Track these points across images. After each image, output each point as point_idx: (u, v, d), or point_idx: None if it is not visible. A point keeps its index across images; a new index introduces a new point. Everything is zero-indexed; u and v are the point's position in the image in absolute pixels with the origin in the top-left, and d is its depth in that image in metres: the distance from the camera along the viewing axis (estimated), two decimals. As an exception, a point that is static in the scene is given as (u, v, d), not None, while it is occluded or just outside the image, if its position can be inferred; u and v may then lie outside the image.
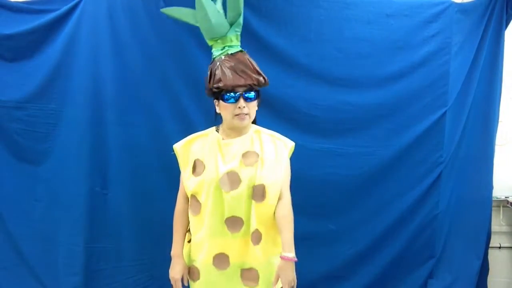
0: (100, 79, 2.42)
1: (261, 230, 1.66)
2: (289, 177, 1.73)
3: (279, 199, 1.67)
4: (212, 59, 1.71)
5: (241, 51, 1.70)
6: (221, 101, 1.64)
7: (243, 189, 1.62)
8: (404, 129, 2.48)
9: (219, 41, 1.68)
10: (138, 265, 2.50)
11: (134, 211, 2.47)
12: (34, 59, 2.45)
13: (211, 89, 1.65)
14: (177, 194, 2.40)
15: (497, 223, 2.78)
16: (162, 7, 2.34)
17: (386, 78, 2.46)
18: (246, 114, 1.62)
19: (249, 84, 1.60)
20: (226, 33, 1.69)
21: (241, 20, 1.73)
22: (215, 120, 1.76)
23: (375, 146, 2.48)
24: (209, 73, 1.67)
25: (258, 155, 1.65)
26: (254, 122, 1.78)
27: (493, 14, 2.47)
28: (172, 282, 1.77)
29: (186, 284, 1.79)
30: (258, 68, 1.66)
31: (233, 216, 1.63)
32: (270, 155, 1.66)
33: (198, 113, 2.40)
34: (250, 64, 1.64)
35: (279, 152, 1.68)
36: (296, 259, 1.63)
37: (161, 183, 2.44)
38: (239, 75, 1.59)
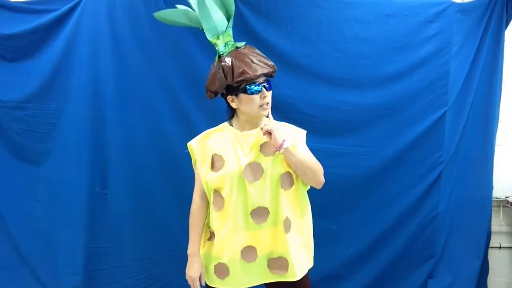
0: (100, 79, 2.42)
1: (291, 217, 1.67)
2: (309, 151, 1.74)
3: None
4: (217, 57, 1.69)
5: (245, 44, 1.71)
6: (242, 94, 1.61)
7: (267, 179, 1.62)
8: (404, 129, 2.48)
9: (220, 37, 1.68)
10: (138, 265, 2.50)
11: (134, 211, 2.47)
12: (34, 59, 2.45)
13: (228, 85, 1.61)
14: (177, 193, 2.42)
15: (497, 223, 2.78)
16: (162, 7, 2.36)
17: (386, 78, 2.46)
18: (268, 103, 1.63)
19: (270, 72, 1.63)
20: (226, 29, 1.70)
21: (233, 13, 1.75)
22: (228, 117, 1.75)
23: (375, 146, 2.48)
24: (221, 70, 1.62)
25: None
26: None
27: (493, 14, 2.47)
28: (190, 281, 1.72)
29: (203, 284, 1.76)
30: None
31: (258, 207, 1.62)
32: (288, 141, 1.64)
33: (198, 113, 2.41)
34: (261, 53, 1.66)
35: (295, 139, 1.69)
36: (282, 148, 1.58)
37: (161, 183, 2.45)
38: (260, 65, 1.60)
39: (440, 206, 2.53)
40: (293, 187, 1.68)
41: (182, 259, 1.80)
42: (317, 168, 1.68)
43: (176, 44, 2.40)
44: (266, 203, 1.63)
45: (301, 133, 1.76)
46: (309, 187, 1.76)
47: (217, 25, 1.69)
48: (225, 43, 1.68)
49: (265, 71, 1.60)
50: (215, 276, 1.70)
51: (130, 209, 2.47)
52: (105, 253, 2.49)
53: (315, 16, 2.42)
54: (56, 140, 2.47)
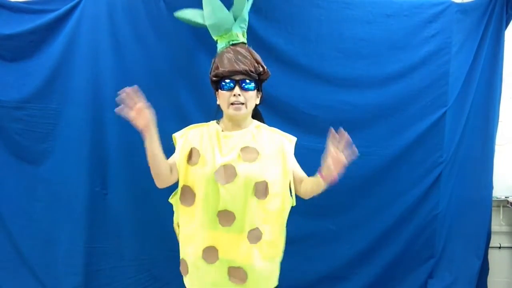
0: (100, 79, 2.42)
1: (263, 229, 1.61)
2: (297, 164, 1.71)
3: (302, 182, 1.66)
4: (216, 54, 1.69)
5: (243, 43, 1.68)
6: (219, 90, 1.62)
7: (239, 184, 1.57)
8: (404, 129, 2.48)
9: (224, 36, 1.68)
10: (138, 265, 2.50)
11: (134, 211, 2.47)
12: (34, 59, 2.45)
13: (211, 80, 1.65)
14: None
15: (497, 223, 2.78)
16: (162, 7, 2.37)
17: (386, 78, 2.46)
18: (242, 103, 1.59)
19: (246, 70, 1.57)
20: (231, 28, 1.68)
21: (245, 15, 1.72)
22: (216, 114, 1.72)
23: (375, 146, 2.47)
24: (211, 66, 1.66)
25: (258, 152, 1.61)
26: (262, 120, 1.77)
27: (493, 14, 2.47)
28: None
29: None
30: (259, 59, 1.64)
31: (225, 210, 1.58)
32: (271, 151, 1.63)
33: (198, 113, 2.40)
34: (250, 54, 1.62)
35: (280, 148, 1.65)
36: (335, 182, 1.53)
37: (161, 183, 2.45)
38: (236, 62, 1.58)
39: (440, 206, 2.53)
40: (268, 197, 1.60)
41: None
42: None
43: (176, 44, 2.40)
44: (234, 208, 1.58)
45: (292, 143, 1.71)
46: (294, 204, 1.70)
47: (220, 24, 1.68)
48: (227, 42, 1.67)
49: (239, 68, 1.57)
50: (181, 271, 1.70)
51: (130, 209, 2.47)
52: (105, 253, 2.49)
53: (315, 16, 2.42)
54: (56, 140, 2.47)
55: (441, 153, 2.50)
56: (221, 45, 1.67)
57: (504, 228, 2.81)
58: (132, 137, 2.44)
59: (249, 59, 1.60)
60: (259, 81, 1.66)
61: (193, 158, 1.64)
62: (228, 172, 1.57)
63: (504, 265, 2.80)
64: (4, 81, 2.46)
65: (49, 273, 2.51)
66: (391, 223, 2.52)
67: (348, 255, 2.54)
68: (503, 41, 2.50)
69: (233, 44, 1.66)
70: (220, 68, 1.58)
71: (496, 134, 2.56)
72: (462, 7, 2.48)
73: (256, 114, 1.76)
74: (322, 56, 2.44)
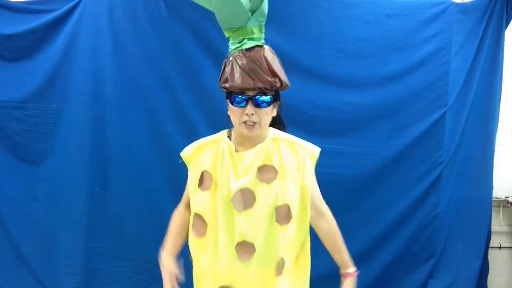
0: (100, 79, 2.43)
1: (285, 257, 1.42)
2: (318, 189, 1.54)
3: (321, 215, 1.54)
4: (228, 53, 1.43)
5: (259, 45, 1.43)
6: (229, 104, 1.40)
7: (259, 209, 1.38)
8: (404, 129, 2.48)
9: (237, 32, 1.41)
10: (138, 265, 2.50)
11: (134, 211, 2.47)
12: (34, 59, 2.45)
13: (220, 86, 1.42)
14: (177, 193, 2.38)
15: (497, 223, 2.78)
16: (162, 7, 2.38)
17: (386, 78, 2.46)
18: (255, 122, 1.37)
19: (259, 88, 1.35)
20: (246, 23, 1.41)
21: (264, 7, 1.49)
22: (228, 122, 1.47)
23: (375, 146, 2.48)
24: (221, 68, 1.42)
25: (276, 171, 1.42)
26: (283, 127, 1.60)
27: (493, 14, 2.47)
28: None
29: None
30: (275, 68, 1.40)
31: (243, 241, 1.37)
32: (291, 166, 1.44)
33: (198, 113, 2.41)
34: (265, 63, 1.38)
35: (301, 162, 1.46)
36: (357, 271, 1.56)
37: (161, 183, 2.45)
38: (249, 76, 1.34)
39: (440, 206, 2.53)
40: (291, 220, 1.42)
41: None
42: None
43: (176, 44, 2.40)
44: (253, 238, 1.38)
45: (312, 157, 1.51)
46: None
47: (232, 17, 1.40)
48: (240, 40, 1.40)
49: (250, 85, 1.33)
50: None
51: (130, 209, 2.47)
52: (105, 253, 2.49)
53: (315, 16, 2.42)
54: (56, 140, 2.47)
55: (441, 153, 2.50)
56: (233, 44, 1.41)
57: (504, 228, 2.81)
58: (132, 137, 2.46)
59: (265, 71, 1.36)
60: (276, 92, 1.45)
61: (205, 183, 1.44)
62: (246, 197, 1.38)
63: (504, 265, 2.80)
64: (4, 81, 2.46)
65: (49, 273, 2.51)
66: (391, 223, 2.52)
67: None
68: (503, 41, 2.50)
69: (247, 49, 1.39)
70: (229, 82, 1.35)
71: (496, 134, 2.56)
72: (462, 7, 2.48)
73: (275, 120, 1.53)
74: (322, 56, 2.44)
